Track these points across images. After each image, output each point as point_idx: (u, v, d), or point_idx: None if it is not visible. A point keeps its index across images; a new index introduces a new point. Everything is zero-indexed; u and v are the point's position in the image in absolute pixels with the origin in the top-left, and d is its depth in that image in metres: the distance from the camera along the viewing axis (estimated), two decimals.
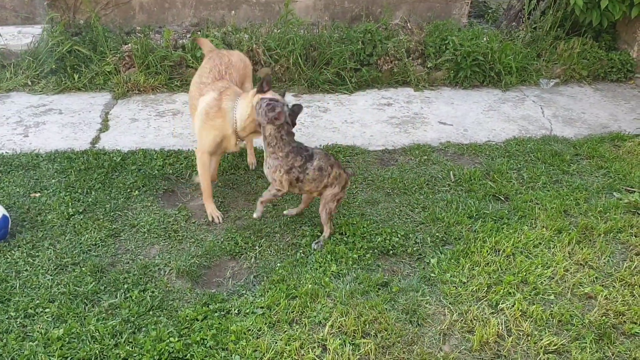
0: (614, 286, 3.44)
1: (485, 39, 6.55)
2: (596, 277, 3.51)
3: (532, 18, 7.11)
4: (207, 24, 6.94)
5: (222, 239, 3.75)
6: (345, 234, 3.79)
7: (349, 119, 5.60)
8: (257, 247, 3.70)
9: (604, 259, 3.67)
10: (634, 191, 4.37)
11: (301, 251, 3.66)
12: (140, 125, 5.23)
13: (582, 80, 6.76)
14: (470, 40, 6.41)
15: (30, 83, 5.83)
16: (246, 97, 3.76)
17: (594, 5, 6.47)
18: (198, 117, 3.92)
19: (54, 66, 5.85)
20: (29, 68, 5.88)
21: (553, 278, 3.49)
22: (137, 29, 6.75)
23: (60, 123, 5.19)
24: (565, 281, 3.47)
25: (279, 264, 3.53)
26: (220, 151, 4.03)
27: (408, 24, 6.96)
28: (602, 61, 6.83)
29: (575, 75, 6.75)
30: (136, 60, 5.91)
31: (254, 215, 3.83)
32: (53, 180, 4.28)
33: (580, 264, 3.62)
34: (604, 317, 3.20)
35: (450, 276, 3.48)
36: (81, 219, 3.87)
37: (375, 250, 3.68)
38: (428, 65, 6.41)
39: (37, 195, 4.13)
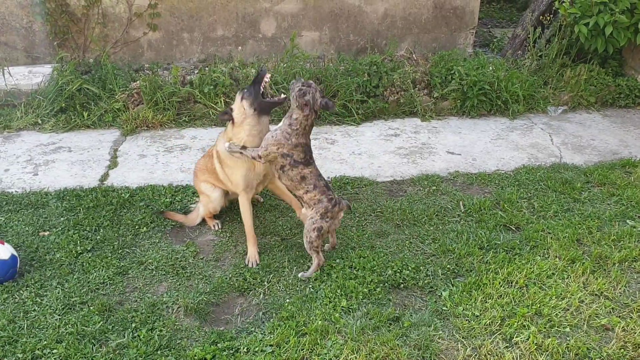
0: (631, 317, 3.35)
1: (491, 68, 6.58)
2: (612, 308, 3.43)
3: (538, 46, 7.14)
4: (215, 59, 7.03)
5: (230, 275, 3.72)
6: (355, 268, 3.74)
7: (357, 151, 5.59)
8: (265, 283, 3.65)
9: (620, 288, 3.59)
10: None
11: (310, 286, 3.61)
12: (149, 161, 5.25)
13: (590, 106, 6.74)
14: (476, 69, 6.43)
15: (40, 122, 5.91)
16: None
17: (598, 32, 6.49)
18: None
19: (63, 105, 5.92)
20: (39, 107, 5.96)
21: (568, 309, 3.41)
22: (146, 66, 6.85)
23: (69, 161, 5.23)
24: (580, 312, 3.39)
25: (288, 300, 3.48)
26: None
27: (413, 55, 7.02)
28: (610, 87, 6.82)
29: (583, 102, 6.74)
30: (144, 96, 5.98)
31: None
32: (62, 219, 4.29)
33: (596, 295, 3.54)
34: (622, 350, 3.11)
35: (463, 309, 3.41)
36: (89, 257, 3.86)
37: (386, 284, 3.62)
38: (434, 95, 6.43)
39: (46, 233, 4.13)
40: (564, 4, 6.72)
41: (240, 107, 3.82)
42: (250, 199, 3.98)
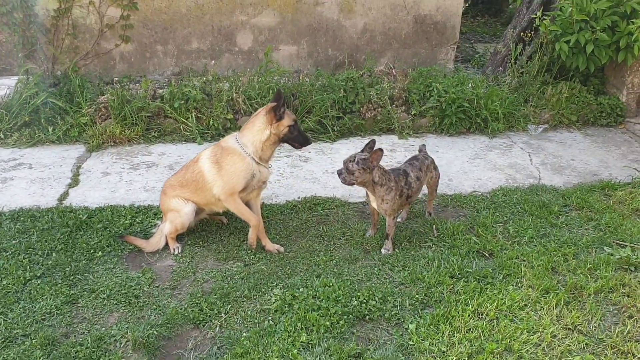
0: (605, 354, 3.17)
1: (470, 85, 6.44)
2: (586, 344, 3.25)
3: (519, 63, 7.02)
4: (189, 73, 6.85)
5: (185, 305, 3.51)
6: (319, 298, 3.54)
7: (330, 169, 5.41)
8: (222, 314, 3.45)
9: (595, 322, 3.41)
10: (626, 245, 4.15)
11: (270, 318, 3.41)
12: (112, 180, 5.04)
13: (572, 125, 6.62)
14: (455, 86, 6.29)
15: (2, 136, 5.68)
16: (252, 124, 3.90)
17: (579, 50, 6.38)
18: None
19: (27, 119, 5.71)
20: (1, 121, 5.74)
21: (539, 345, 3.23)
22: (115, 79, 6.65)
23: (29, 178, 5.01)
24: (552, 349, 3.21)
25: (244, 334, 3.27)
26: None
27: (393, 71, 6.87)
28: (591, 106, 6.71)
29: (564, 120, 6.62)
30: (112, 111, 5.77)
31: (384, 252, 4.09)
32: (13, 242, 4.07)
33: (569, 329, 3.37)
34: None
35: (429, 344, 3.22)
36: (38, 284, 3.64)
37: (351, 316, 3.43)
38: (412, 112, 6.28)
39: None
40: (544, 21, 6.62)
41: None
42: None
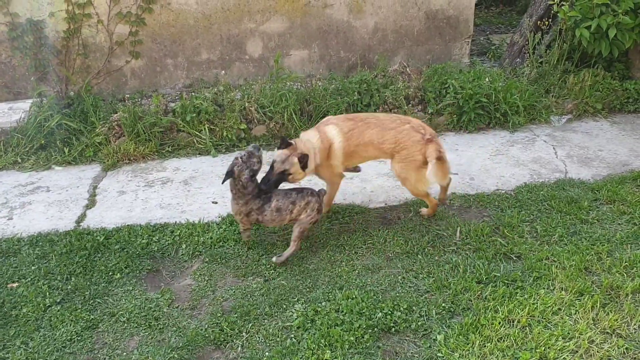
0: None
1: (487, 79, 6.25)
2: (627, 348, 3.09)
3: (537, 53, 6.82)
4: (201, 84, 6.79)
5: (206, 326, 3.42)
6: (342, 312, 3.43)
7: (348, 174, 5.27)
8: (244, 334, 3.36)
9: (634, 324, 3.24)
10: None
11: (292, 336, 3.30)
12: (128, 198, 4.98)
13: (597, 114, 6.39)
14: (472, 81, 6.12)
15: (20, 160, 5.67)
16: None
17: (601, 35, 6.16)
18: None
19: (43, 142, 5.69)
20: (18, 145, 5.73)
21: (577, 352, 3.07)
22: (127, 96, 6.60)
23: (46, 202, 4.98)
24: (591, 355, 3.05)
25: (267, 354, 3.18)
26: None
27: (407, 69, 6.71)
28: (617, 92, 6.48)
29: (588, 109, 6.40)
30: (125, 128, 5.73)
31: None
32: (33, 267, 4.02)
33: (607, 333, 3.20)
34: None
35: (459, 356, 3.09)
36: (58, 311, 3.59)
37: (376, 329, 3.31)
38: (429, 111, 6.12)
39: (15, 285, 3.87)
40: (563, 7, 6.40)
41: None
42: None
